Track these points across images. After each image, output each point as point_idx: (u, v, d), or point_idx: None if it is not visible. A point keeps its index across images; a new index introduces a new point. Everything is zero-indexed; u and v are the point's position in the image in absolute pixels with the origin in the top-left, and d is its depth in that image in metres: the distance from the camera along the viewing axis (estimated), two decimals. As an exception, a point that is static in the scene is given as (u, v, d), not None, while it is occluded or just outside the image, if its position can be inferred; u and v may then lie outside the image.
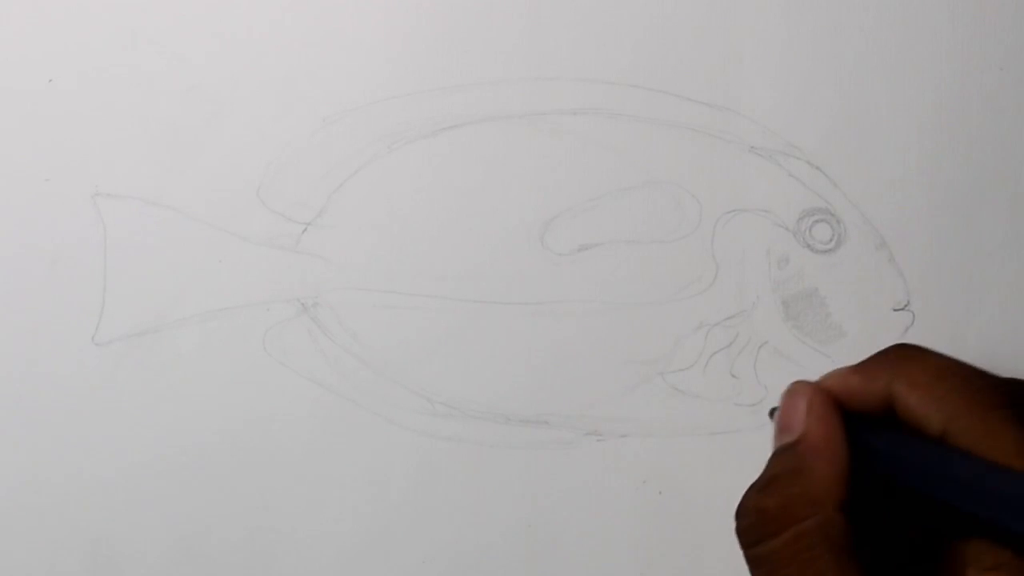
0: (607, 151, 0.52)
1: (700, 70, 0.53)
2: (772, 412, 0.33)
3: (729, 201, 0.53)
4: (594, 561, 0.51)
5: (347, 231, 0.51)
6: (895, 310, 0.53)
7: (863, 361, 0.31)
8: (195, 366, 0.50)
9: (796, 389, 0.31)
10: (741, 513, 0.30)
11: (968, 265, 0.54)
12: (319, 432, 0.50)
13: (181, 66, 0.50)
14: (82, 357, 0.49)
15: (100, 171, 0.49)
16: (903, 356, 0.30)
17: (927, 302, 0.54)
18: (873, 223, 0.53)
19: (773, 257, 0.53)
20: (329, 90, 0.50)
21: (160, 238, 0.50)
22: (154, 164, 0.50)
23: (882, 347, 0.32)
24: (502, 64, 0.51)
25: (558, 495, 0.51)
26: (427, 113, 0.51)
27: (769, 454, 0.31)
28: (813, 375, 0.32)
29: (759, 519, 0.29)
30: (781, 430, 0.31)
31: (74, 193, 0.49)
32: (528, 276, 0.51)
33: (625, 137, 0.52)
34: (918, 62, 0.54)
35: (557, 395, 0.51)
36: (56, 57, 0.49)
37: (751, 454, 0.52)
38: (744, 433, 0.52)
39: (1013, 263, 0.55)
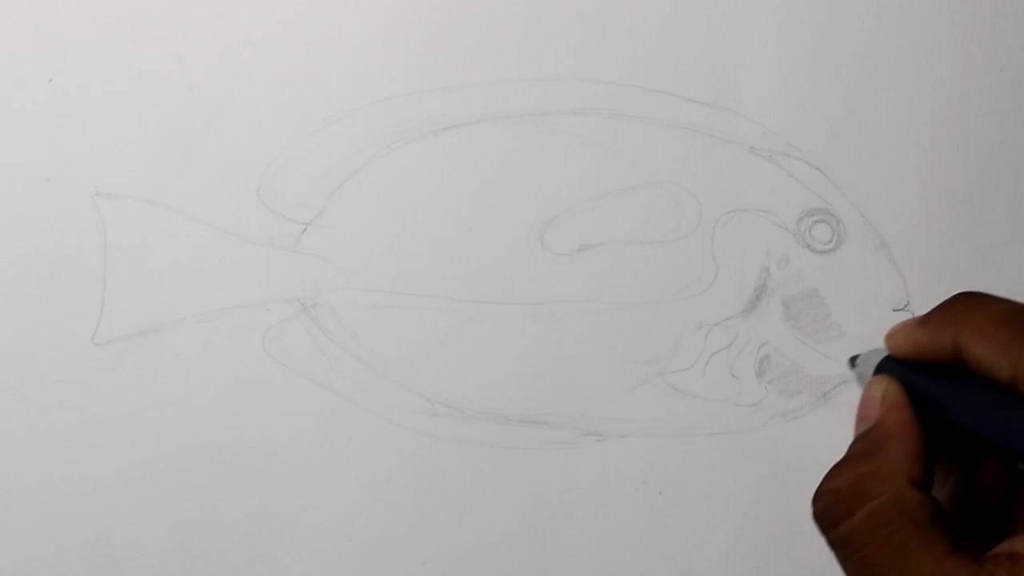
0: (607, 151, 0.52)
1: (700, 70, 0.53)
2: (853, 360, 0.33)
3: (729, 201, 0.53)
4: (594, 561, 0.51)
5: (347, 231, 0.51)
6: (895, 310, 0.53)
7: (929, 312, 0.31)
8: (195, 366, 0.49)
9: (873, 380, 0.31)
10: (816, 498, 0.30)
11: (968, 265, 0.54)
12: (319, 432, 0.50)
13: (181, 66, 0.50)
14: (82, 357, 0.49)
15: (100, 171, 0.49)
16: (968, 306, 0.30)
17: (927, 302, 0.53)
18: (873, 223, 0.53)
19: (773, 257, 0.53)
20: (329, 90, 0.50)
21: (160, 238, 0.50)
22: (154, 164, 0.50)
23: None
24: (502, 64, 0.51)
25: (558, 495, 0.51)
26: (427, 113, 0.51)
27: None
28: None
29: (832, 500, 0.29)
30: (860, 420, 0.31)
31: (74, 193, 0.49)
32: (528, 276, 0.51)
33: (625, 137, 0.52)
34: (918, 62, 0.54)
35: (557, 395, 0.51)
36: (56, 57, 0.49)
37: (751, 454, 0.53)
38: (744, 433, 0.52)
39: (1013, 263, 0.55)
